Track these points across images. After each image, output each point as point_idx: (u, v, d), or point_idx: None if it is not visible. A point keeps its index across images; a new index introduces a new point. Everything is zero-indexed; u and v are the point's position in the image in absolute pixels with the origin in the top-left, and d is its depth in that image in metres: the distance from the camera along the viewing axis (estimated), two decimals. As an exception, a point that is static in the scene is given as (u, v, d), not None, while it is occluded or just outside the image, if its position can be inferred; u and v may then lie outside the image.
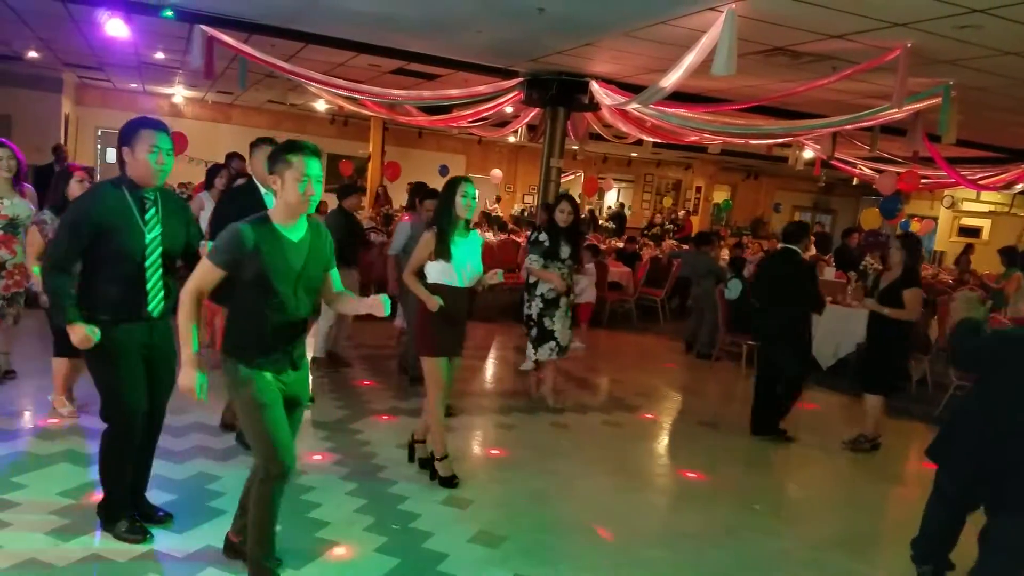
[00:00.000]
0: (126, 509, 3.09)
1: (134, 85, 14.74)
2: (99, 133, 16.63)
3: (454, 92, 8.62)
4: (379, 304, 2.62)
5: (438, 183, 10.81)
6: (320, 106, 13.59)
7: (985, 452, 2.91)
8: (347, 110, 11.49)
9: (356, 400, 5.41)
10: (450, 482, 3.95)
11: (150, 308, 2.96)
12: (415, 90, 9.58)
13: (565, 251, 5.43)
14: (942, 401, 6.48)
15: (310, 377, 3.61)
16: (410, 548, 3.27)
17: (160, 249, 2.94)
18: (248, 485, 2.87)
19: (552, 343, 5.55)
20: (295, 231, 2.65)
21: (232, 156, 6.62)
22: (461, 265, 3.85)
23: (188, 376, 2.62)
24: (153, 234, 2.92)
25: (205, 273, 2.58)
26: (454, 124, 11.18)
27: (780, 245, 5.63)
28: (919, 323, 7.28)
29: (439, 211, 3.92)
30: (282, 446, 2.64)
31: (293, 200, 2.58)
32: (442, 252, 3.82)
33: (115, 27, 6.82)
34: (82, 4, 6.99)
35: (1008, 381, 2.89)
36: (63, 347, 4.12)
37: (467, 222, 3.94)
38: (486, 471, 4.43)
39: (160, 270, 2.96)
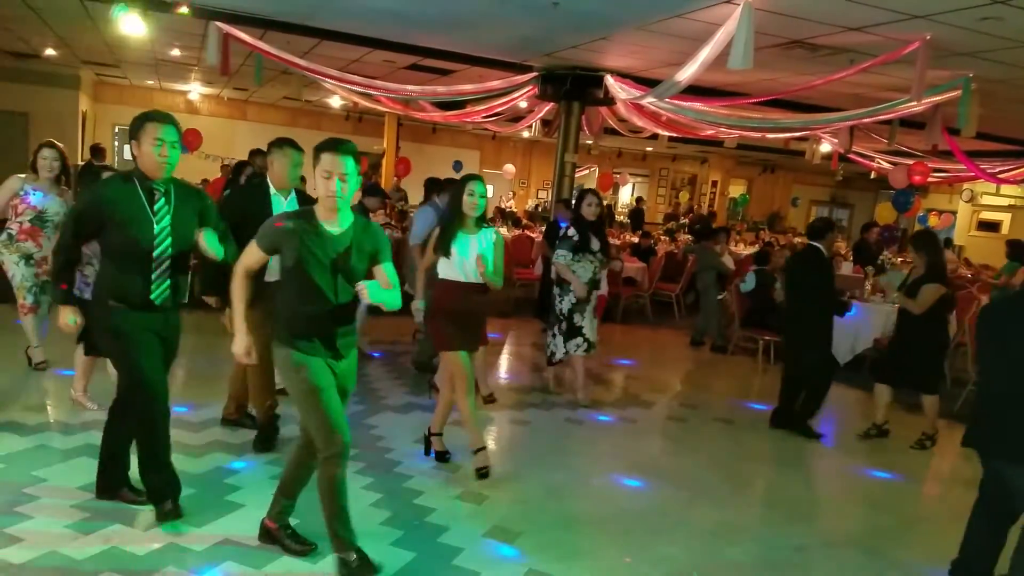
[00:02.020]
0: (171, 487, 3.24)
1: (151, 82, 14.86)
2: (116, 130, 16.77)
3: (468, 87, 8.62)
4: (362, 288, 2.72)
5: (453, 178, 10.84)
6: (335, 102, 13.62)
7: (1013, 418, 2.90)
8: (362, 106, 11.51)
9: (371, 395, 5.43)
10: (482, 473, 4.02)
11: (153, 297, 3.03)
12: (429, 86, 9.58)
13: (595, 244, 5.47)
14: (961, 396, 6.41)
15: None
16: (425, 542, 3.29)
17: (169, 239, 3.02)
18: (292, 470, 3.04)
19: (580, 339, 5.58)
20: (336, 225, 2.78)
21: (255, 153, 6.67)
22: (461, 261, 3.88)
23: (240, 344, 2.88)
24: (162, 224, 3.01)
25: (249, 253, 2.86)
26: (468, 119, 11.18)
27: (805, 242, 5.64)
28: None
29: (448, 208, 4.02)
30: (339, 425, 2.80)
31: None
32: (440, 248, 3.90)
33: (131, 23, 6.87)
34: (99, 1, 7.05)
35: (1003, 344, 2.93)
36: (90, 345, 4.18)
37: (479, 219, 3.95)
38: (501, 466, 4.43)
39: (169, 260, 3.03)
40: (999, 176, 10.63)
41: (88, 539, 3.03)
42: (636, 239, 12.43)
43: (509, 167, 17.28)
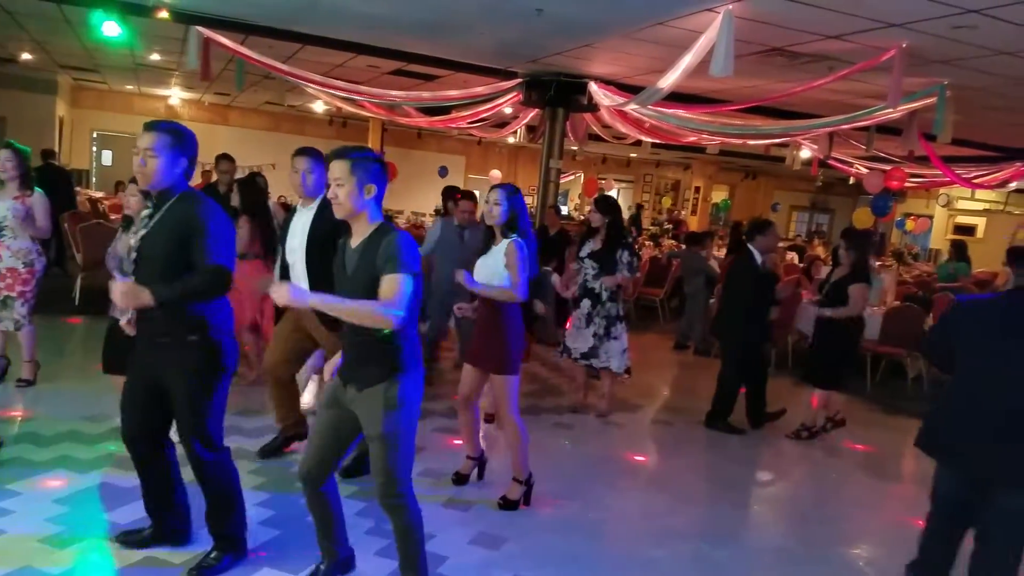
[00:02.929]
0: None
1: (130, 87, 14.73)
2: (94, 135, 16.61)
3: (453, 93, 8.62)
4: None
5: (438, 184, 10.82)
6: (318, 107, 13.59)
7: (970, 425, 2.81)
8: (346, 111, 11.49)
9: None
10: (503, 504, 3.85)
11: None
12: (414, 91, 9.58)
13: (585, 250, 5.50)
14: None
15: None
16: (411, 550, 3.28)
17: (136, 255, 2.77)
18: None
19: (560, 345, 5.71)
20: (355, 238, 2.61)
21: (222, 158, 6.58)
22: (481, 270, 3.76)
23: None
24: (137, 236, 2.79)
25: None
26: (453, 125, 11.18)
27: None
28: (916, 320, 7.36)
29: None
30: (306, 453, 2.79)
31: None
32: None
33: (111, 29, 6.81)
34: (77, 6, 6.98)
35: (971, 346, 2.85)
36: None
37: (506, 228, 3.72)
38: (489, 474, 4.43)
39: (135, 276, 2.73)
40: (974, 181, 10.82)
41: (63, 553, 2.99)
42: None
43: (495, 173, 17.31)
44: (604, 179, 18.44)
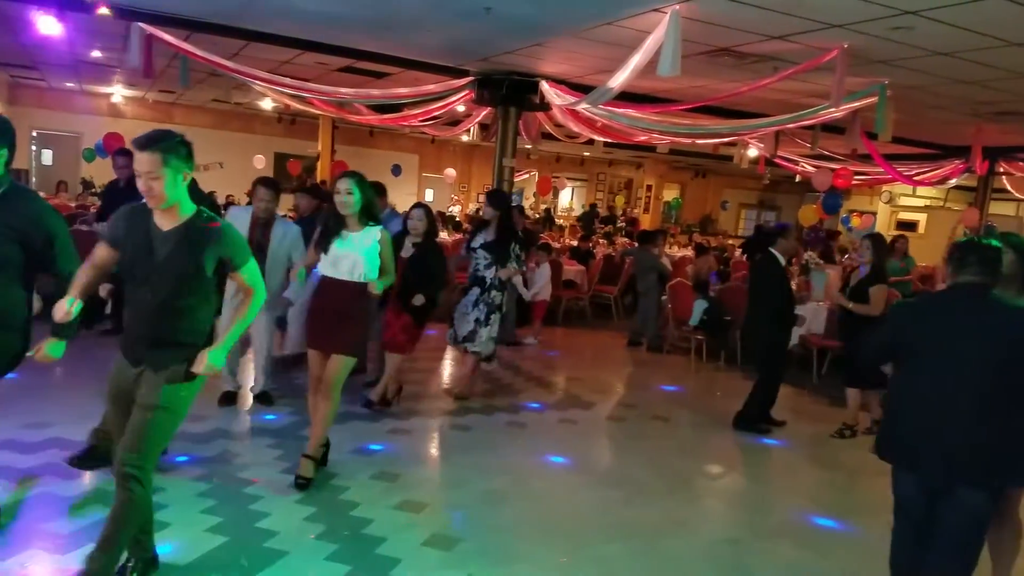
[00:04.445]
0: None
1: (70, 84, 14.21)
2: (34, 134, 15.97)
3: (404, 91, 8.54)
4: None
5: (391, 183, 10.71)
6: (267, 104, 13.31)
7: (926, 427, 2.80)
8: (294, 109, 11.28)
9: (305, 405, 5.30)
10: (300, 483, 3.85)
11: None
12: (364, 88, 9.46)
13: (476, 242, 5.66)
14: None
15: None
16: (361, 555, 3.23)
17: None
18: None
19: (450, 330, 5.84)
20: (165, 223, 2.62)
21: (118, 153, 6.43)
22: (335, 258, 3.90)
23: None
24: None
25: None
26: (405, 123, 11.08)
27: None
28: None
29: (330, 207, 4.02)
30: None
31: None
32: (321, 245, 3.94)
33: (47, 25, 6.55)
34: (13, 1, 6.70)
35: (918, 346, 2.84)
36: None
37: (363, 217, 3.91)
38: (442, 474, 4.41)
39: None
40: (915, 178, 11.19)
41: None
42: (576, 242, 12.59)
43: (450, 171, 17.23)
44: (558, 177, 18.52)
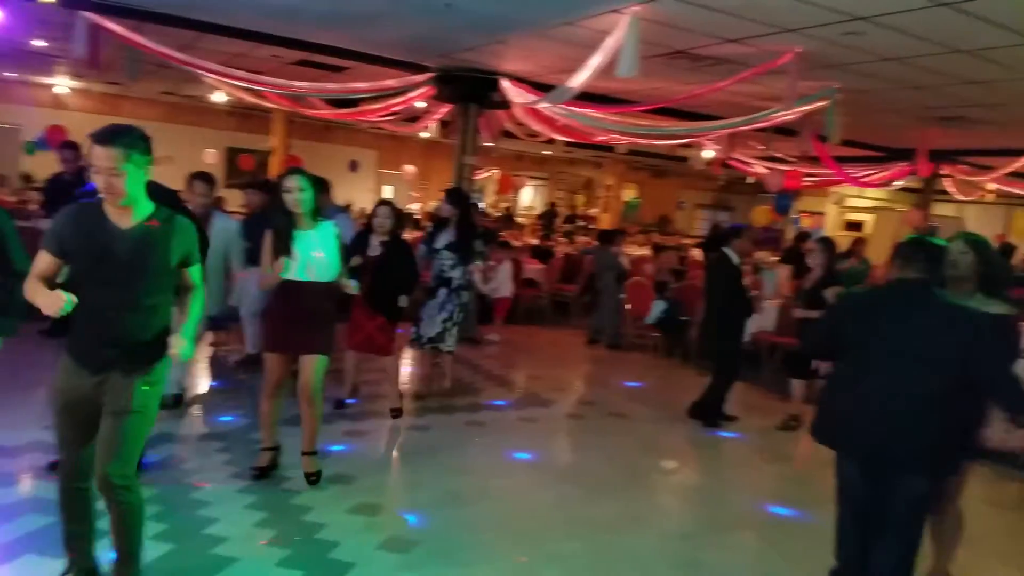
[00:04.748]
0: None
1: (10, 74, 13.65)
2: (-31, 125, 15.31)
3: (362, 85, 8.42)
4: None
5: (348, 179, 10.55)
6: (219, 98, 12.99)
7: (861, 411, 2.88)
8: (248, 102, 11.03)
9: (257, 408, 5.19)
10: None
11: None
12: (320, 82, 9.29)
13: (440, 242, 5.59)
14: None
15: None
16: (314, 560, 3.17)
17: None
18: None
19: (413, 330, 5.74)
20: (122, 220, 2.51)
21: (65, 146, 6.23)
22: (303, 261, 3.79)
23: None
24: None
25: None
26: (363, 118, 10.93)
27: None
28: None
29: (273, 208, 3.87)
30: None
31: None
32: (280, 248, 3.77)
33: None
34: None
35: (857, 337, 2.92)
36: None
37: (313, 215, 3.83)
38: (399, 475, 4.36)
39: None
40: (863, 180, 11.51)
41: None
42: (536, 241, 12.62)
43: (409, 168, 17.04)
44: (518, 176, 18.52)
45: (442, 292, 5.58)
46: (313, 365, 3.82)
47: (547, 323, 9.86)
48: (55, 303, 2.29)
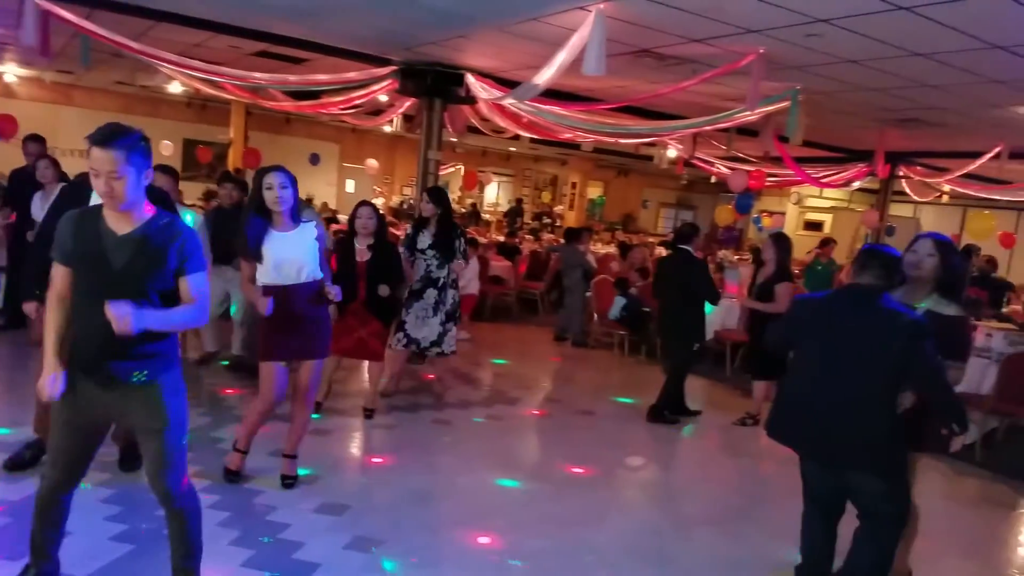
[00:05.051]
0: None
1: (-45, 60, 13.12)
2: (-89, 114, 14.68)
3: (323, 78, 8.28)
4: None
5: (309, 172, 10.37)
6: (175, 88, 12.67)
7: (813, 410, 2.96)
8: (205, 93, 10.78)
9: (219, 406, 5.09)
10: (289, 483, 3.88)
11: None
12: (280, 74, 9.11)
13: (423, 242, 5.39)
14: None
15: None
16: (279, 560, 3.10)
17: None
18: None
19: (400, 334, 5.47)
20: (121, 226, 2.37)
21: (30, 139, 6.02)
22: (278, 263, 3.63)
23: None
24: None
25: None
26: (324, 111, 10.76)
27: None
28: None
29: (250, 207, 3.71)
30: None
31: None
32: (250, 253, 3.62)
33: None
34: None
35: (809, 339, 3.04)
36: None
37: (294, 213, 3.66)
38: (365, 475, 4.30)
39: None
40: (822, 181, 11.75)
41: None
42: (503, 238, 12.61)
43: (371, 162, 16.84)
44: (484, 172, 18.47)
45: (431, 293, 5.40)
46: (312, 370, 3.77)
47: (513, 320, 9.86)
48: (46, 387, 2.34)
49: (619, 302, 8.03)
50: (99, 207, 2.38)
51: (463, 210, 16.85)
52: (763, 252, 5.96)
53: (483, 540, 3.54)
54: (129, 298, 2.26)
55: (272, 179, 3.57)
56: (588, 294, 8.61)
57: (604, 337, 8.55)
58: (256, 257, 3.61)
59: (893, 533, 2.95)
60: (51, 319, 2.41)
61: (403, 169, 19.29)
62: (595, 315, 8.40)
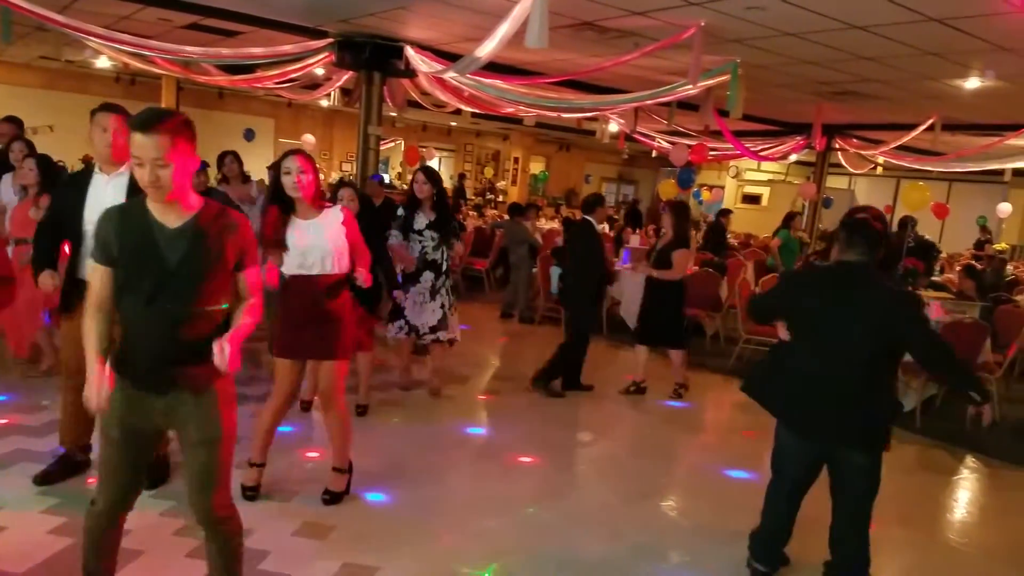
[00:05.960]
0: None
1: None
2: None
3: (257, 51, 7.99)
4: None
5: (243, 148, 10.00)
6: (103, 63, 12.05)
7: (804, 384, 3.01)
8: (134, 68, 10.28)
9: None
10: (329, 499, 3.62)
11: None
12: (212, 47, 8.75)
13: (421, 223, 5.16)
14: (733, 353, 7.18)
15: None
16: (227, 550, 3.02)
17: None
18: None
19: (401, 321, 5.27)
20: (171, 219, 2.19)
21: (3, 120, 5.65)
22: (300, 252, 3.42)
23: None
24: None
25: None
26: (259, 85, 10.40)
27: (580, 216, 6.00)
28: (712, 284, 8.06)
29: (271, 194, 3.51)
30: None
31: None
32: (274, 241, 3.42)
33: None
34: None
35: (803, 315, 3.06)
36: None
37: (316, 199, 3.44)
38: (311, 462, 4.22)
39: None
40: (760, 154, 12.00)
41: None
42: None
43: (308, 137, 16.37)
44: (425, 147, 18.20)
45: (428, 276, 5.19)
46: (332, 371, 3.48)
47: (459, 298, 9.76)
48: (92, 398, 2.11)
49: (555, 272, 8.03)
50: (141, 200, 2.18)
51: (405, 186, 16.57)
52: (661, 220, 6.04)
53: (435, 522, 3.52)
54: (185, 297, 2.14)
55: (291, 163, 3.32)
56: (534, 270, 8.61)
57: (551, 313, 8.57)
58: (278, 245, 3.37)
59: (867, 509, 3.02)
60: (91, 327, 2.18)
61: (342, 145, 18.86)
62: (541, 291, 8.42)
